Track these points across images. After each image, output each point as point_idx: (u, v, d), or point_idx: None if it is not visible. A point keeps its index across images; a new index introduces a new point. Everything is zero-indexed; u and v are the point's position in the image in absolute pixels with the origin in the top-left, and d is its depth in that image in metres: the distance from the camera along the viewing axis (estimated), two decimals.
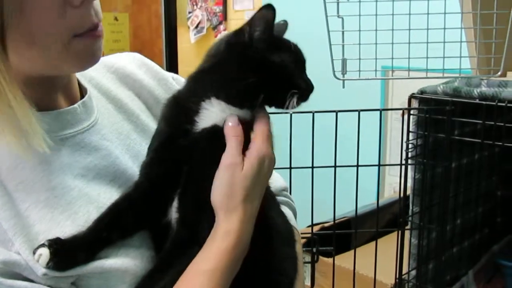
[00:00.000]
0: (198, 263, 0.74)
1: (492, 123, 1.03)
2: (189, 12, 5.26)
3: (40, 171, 0.73)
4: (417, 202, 1.24)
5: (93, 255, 0.72)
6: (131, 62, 0.95)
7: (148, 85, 0.94)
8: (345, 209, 1.61)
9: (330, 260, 1.53)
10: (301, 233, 1.35)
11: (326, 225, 1.55)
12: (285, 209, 1.00)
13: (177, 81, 0.98)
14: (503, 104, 1.01)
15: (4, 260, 0.66)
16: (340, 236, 1.44)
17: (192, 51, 5.38)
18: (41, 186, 0.72)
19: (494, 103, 1.03)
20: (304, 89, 0.80)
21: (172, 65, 3.84)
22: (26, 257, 0.68)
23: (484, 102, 1.04)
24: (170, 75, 0.98)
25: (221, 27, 5.05)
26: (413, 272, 1.29)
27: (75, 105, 0.79)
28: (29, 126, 0.67)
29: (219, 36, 0.85)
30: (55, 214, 0.72)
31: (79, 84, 0.85)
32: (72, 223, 0.72)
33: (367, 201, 1.78)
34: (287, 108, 0.80)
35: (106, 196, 0.77)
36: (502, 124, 1.02)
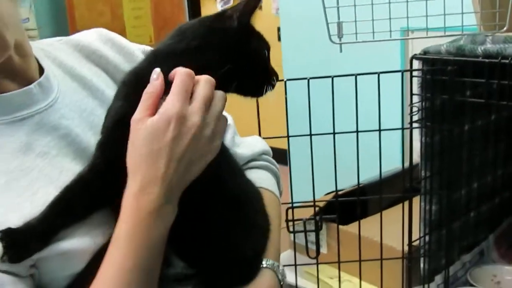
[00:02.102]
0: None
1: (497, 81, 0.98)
2: None
3: None
4: (427, 167, 1.20)
5: (49, 241, 0.72)
6: (97, 39, 0.95)
7: (114, 60, 0.94)
8: (369, 175, 1.58)
9: (344, 227, 1.52)
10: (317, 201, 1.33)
11: (340, 193, 1.52)
12: (262, 173, 1.00)
13: (144, 52, 0.97)
14: (507, 61, 0.96)
15: None
16: (355, 204, 1.41)
17: None
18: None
19: (497, 61, 0.98)
20: (275, 77, 0.83)
21: None
22: None
23: (487, 60, 0.99)
24: (138, 48, 0.97)
25: None
26: (427, 239, 1.26)
27: (31, 86, 0.79)
28: None
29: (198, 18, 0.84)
30: (13, 197, 0.72)
31: (40, 66, 0.84)
32: (30, 204, 0.72)
33: (392, 167, 1.75)
34: (258, 96, 0.82)
35: (69, 174, 0.76)
36: (506, 82, 0.96)
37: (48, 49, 0.89)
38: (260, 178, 0.99)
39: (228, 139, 1.00)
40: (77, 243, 0.73)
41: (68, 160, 0.79)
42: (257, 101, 1.09)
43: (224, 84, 0.77)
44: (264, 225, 0.90)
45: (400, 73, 1.14)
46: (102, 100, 0.87)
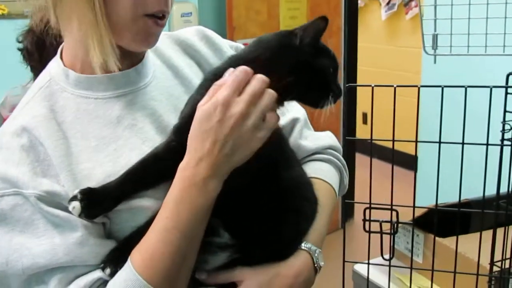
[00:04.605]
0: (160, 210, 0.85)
1: None
2: None
3: (95, 124, 0.90)
4: None
5: (119, 202, 0.86)
6: (195, 35, 1.10)
7: (206, 55, 1.08)
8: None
9: (441, 239, 1.51)
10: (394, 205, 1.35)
11: (442, 204, 1.52)
12: (322, 165, 1.08)
13: (235, 49, 1.10)
14: None
15: (48, 190, 0.84)
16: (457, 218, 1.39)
17: (383, 28, 5.32)
18: (94, 136, 0.90)
19: None
20: (336, 93, 0.90)
21: (351, 44, 3.81)
22: (67, 189, 0.84)
23: None
24: (228, 44, 1.11)
25: (413, 3, 4.91)
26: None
27: (129, 70, 0.94)
28: (110, 46, 0.86)
29: (273, 32, 0.94)
30: (100, 157, 0.89)
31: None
32: (113, 164, 0.88)
33: None
34: (315, 107, 0.90)
35: (149, 144, 0.91)
36: None
37: None
38: (319, 169, 1.08)
39: (295, 132, 1.09)
40: (144, 202, 0.88)
41: (151, 133, 0.94)
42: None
43: (285, 92, 0.87)
44: (308, 212, 0.98)
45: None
46: (189, 88, 1.01)
